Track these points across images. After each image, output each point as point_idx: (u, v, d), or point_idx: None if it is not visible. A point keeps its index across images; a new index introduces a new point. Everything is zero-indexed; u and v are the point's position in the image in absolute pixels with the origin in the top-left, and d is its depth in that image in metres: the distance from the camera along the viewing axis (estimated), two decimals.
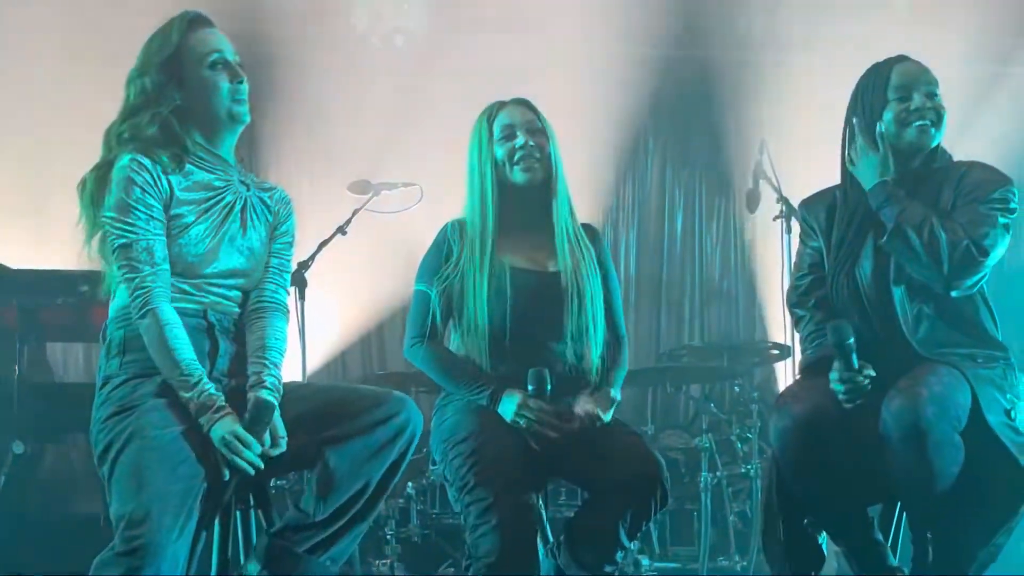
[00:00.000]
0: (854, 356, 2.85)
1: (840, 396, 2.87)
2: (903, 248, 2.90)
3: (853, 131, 3.07)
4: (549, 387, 3.04)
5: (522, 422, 3.03)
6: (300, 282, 4.88)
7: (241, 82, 2.79)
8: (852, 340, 2.85)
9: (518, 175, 3.18)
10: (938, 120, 3.02)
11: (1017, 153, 6.11)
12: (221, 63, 2.78)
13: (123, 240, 2.67)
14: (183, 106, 2.77)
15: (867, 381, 2.85)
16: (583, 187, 6.77)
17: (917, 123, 3.00)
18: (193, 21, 2.80)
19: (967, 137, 3.12)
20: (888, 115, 3.02)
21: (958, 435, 2.73)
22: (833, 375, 2.88)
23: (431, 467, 4.76)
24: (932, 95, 3.02)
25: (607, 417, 3.09)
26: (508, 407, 3.05)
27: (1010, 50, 6.45)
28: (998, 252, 2.90)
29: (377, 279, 6.55)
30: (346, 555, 2.81)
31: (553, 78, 6.69)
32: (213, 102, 2.78)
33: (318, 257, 5.07)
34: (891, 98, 3.03)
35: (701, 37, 6.75)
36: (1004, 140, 5.94)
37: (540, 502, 3.04)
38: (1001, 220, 2.91)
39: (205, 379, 2.63)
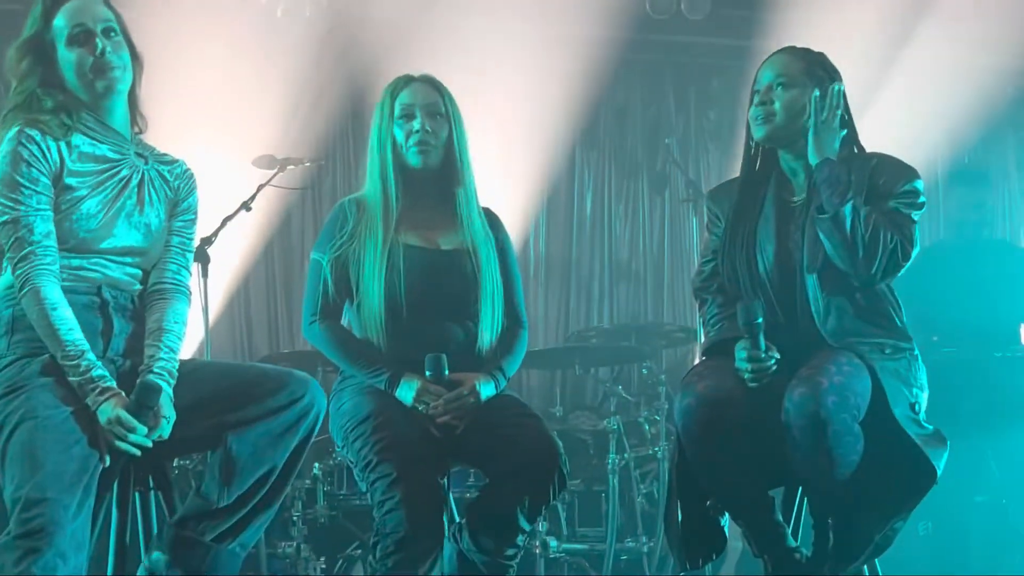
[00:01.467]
0: (762, 337, 2.87)
1: (746, 376, 2.89)
2: (839, 234, 2.87)
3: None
4: (447, 371, 3.02)
5: (421, 408, 3.01)
6: (203, 258, 4.78)
7: (103, 53, 2.69)
8: (761, 320, 2.87)
9: (412, 158, 3.15)
10: (784, 110, 2.98)
11: (912, 137, 6.24)
12: (81, 36, 2.69)
13: (6, 216, 2.60)
14: (57, 82, 2.71)
15: (773, 363, 2.88)
16: (492, 168, 6.75)
17: (754, 117, 3.03)
18: None
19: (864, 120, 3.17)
20: (750, 112, 3.06)
21: (858, 424, 2.77)
22: (740, 354, 2.90)
23: (336, 449, 4.71)
24: (782, 84, 3.00)
25: (482, 394, 3.06)
26: (407, 393, 3.03)
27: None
28: (916, 252, 2.94)
29: (282, 255, 6.47)
30: (254, 540, 2.79)
31: (464, 57, 6.65)
32: (77, 78, 2.70)
33: (222, 233, 4.96)
34: (753, 92, 3.07)
35: (611, 17, 6.75)
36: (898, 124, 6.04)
37: (445, 483, 3.03)
38: (915, 217, 2.95)
39: (87, 359, 2.56)
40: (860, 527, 2.84)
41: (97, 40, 2.68)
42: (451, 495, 3.13)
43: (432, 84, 3.20)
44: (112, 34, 2.71)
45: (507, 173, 6.79)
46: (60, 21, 2.70)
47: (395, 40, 6.46)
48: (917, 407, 2.90)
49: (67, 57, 2.70)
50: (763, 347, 2.87)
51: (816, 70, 3.03)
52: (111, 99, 2.74)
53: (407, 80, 3.21)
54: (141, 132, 2.86)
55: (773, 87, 3.01)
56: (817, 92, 2.96)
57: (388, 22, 6.45)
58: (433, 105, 3.16)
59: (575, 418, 5.51)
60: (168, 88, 5.89)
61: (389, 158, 3.15)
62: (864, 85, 6.18)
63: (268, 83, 6.43)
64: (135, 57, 2.78)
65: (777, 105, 2.99)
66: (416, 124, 3.12)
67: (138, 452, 2.55)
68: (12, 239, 2.59)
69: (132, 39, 2.79)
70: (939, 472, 2.82)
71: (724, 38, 6.65)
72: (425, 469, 2.90)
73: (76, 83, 2.71)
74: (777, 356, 2.88)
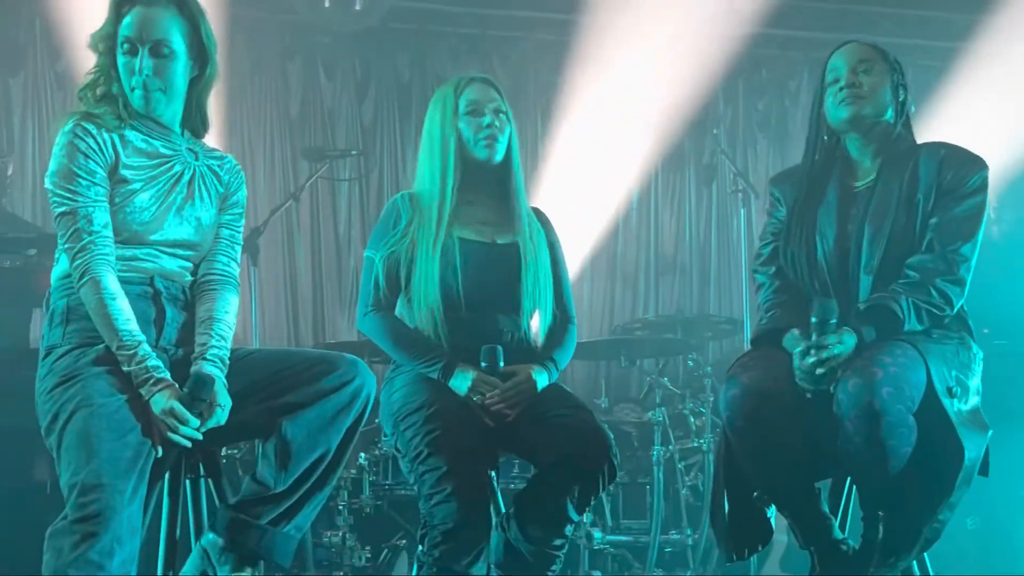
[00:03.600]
0: (830, 336, 2.83)
1: (800, 372, 2.86)
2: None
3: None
4: (502, 363, 3.05)
5: (476, 399, 3.04)
6: (252, 249, 4.83)
7: (141, 72, 2.67)
8: (835, 321, 2.85)
9: (481, 152, 3.19)
10: (870, 92, 3.01)
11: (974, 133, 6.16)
12: (130, 48, 2.68)
13: (64, 208, 2.63)
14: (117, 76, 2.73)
15: (827, 370, 2.83)
16: (539, 158, 6.77)
17: (843, 99, 3.02)
18: None
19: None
20: (828, 99, 3.06)
21: (911, 416, 2.74)
22: (798, 349, 2.88)
23: (383, 438, 4.74)
24: (862, 70, 3.02)
25: (537, 384, 3.09)
26: (461, 383, 3.05)
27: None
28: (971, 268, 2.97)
29: (330, 246, 6.52)
30: (309, 523, 2.80)
31: (508, 50, 6.68)
32: (124, 84, 2.72)
33: (271, 223, 5.02)
34: (827, 82, 3.07)
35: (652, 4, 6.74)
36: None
37: (493, 474, 3.05)
38: (976, 215, 2.96)
39: (143, 349, 2.59)
40: (910, 519, 2.81)
41: (137, 60, 2.69)
42: (497, 485, 3.15)
43: (491, 84, 3.27)
44: (163, 51, 2.70)
45: (552, 165, 6.83)
46: (122, 26, 2.70)
47: (445, 33, 6.50)
48: (955, 391, 2.86)
49: (120, 62, 2.72)
50: (830, 343, 2.82)
51: (889, 58, 3.08)
52: (153, 111, 2.75)
53: (470, 79, 3.27)
54: (198, 137, 2.87)
55: (857, 71, 3.02)
56: (894, 79, 3.04)
57: (435, 14, 6.48)
58: (496, 103, 3.22)
59: (620, 410, 5.51)
60: (222, 79, 5.98)
61: (452, 152, 3.19)
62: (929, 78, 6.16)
63: (316, 75, 6.49)
64: (203, 67, 2.78)
65: (866, 88, 3.01)
66: (486, 120, 3.18)
67: (189, 444, 2.59)
68: (70, 230, 2.63)
69: (206, 46, 2.77)
70: (969, 455, 2.77)
71: (774, 28, 6.61)
72: (475, 462, 2.93)
73: (125, 87, 2.73)
74: (835, 352, 2.83)
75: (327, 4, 5.85)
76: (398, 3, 6.23)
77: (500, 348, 3.05)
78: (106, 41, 2.71)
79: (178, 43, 2.72)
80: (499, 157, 3.21)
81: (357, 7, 5.87)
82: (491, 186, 3.25)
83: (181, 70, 2.75)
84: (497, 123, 3.19)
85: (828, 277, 3.02)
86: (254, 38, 6.23)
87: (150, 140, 2.76)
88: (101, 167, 2.66)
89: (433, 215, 3.16)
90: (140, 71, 2.69)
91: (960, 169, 2.98)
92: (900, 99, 3.07)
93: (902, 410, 2.72)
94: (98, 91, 2.72)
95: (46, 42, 6.07)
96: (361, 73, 6.59)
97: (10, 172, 5.30)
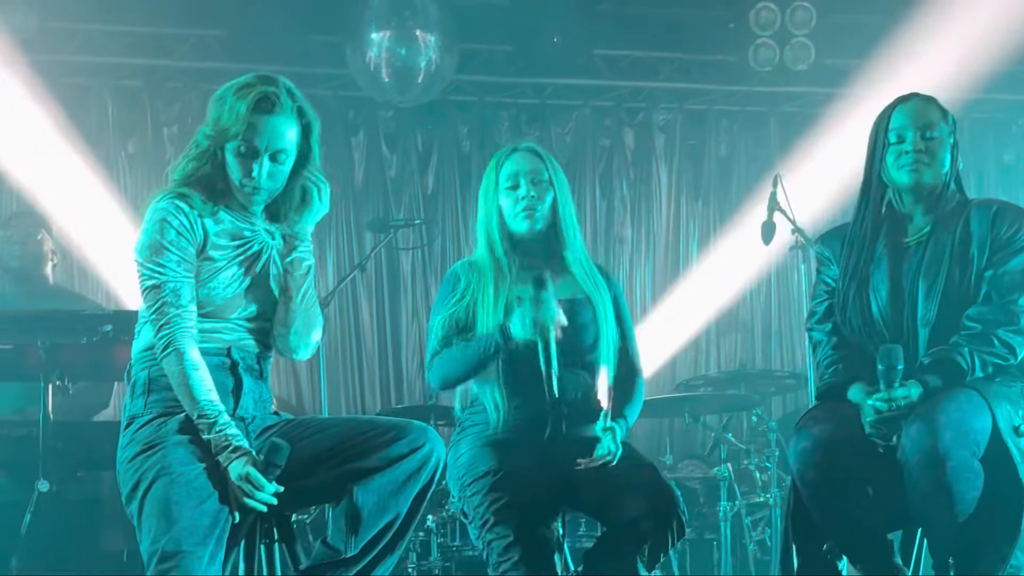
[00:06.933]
0: (898, 382, 2.87)
1: (872, 417, 2.88)
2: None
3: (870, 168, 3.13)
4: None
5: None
6: None
7: (259, 175, 2.73)
8: (901, 367, 2.88)
9: (518, 225, 3.27)
10: (931, 159, 3.03)
11: None
12: (248, 151, 2.73)
13: (153, 281, 2.72)
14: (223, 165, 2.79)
15: (901, 410, 2.86)
16: (598, 220, 6.84)
17: (907, 164, 3.04)
18: (260, 102, 2.72)
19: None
20: (889, 159, 3.08)
21: (977, 461, 2.75)
22: (868, 401, 2.90)
23: (451, 500, 4.80)
24: (928, 135, 3.04)
25: (616, 451, 3.12)
26: (519, 329, 3.07)
27: None
28: None
29: (396, 314, 6.63)
30: None
31: (566, 118, 6.77)
32: (232, 176, 2.78)
33: (337, 292, 5.13)
34: (890, 141, 3.08)
35: (707, 68, 6.82)
36: None
37: (559, 531, 3.09)
38: None
39: (222, 418, 2.67)
40: (982, 565, 2.79)
41: (257, 163, 2.75)
42: (565, 544, 3.19)
43: (535, 152, 3.32)
44: (280, 157, 2.77)
45: (612, 225, 6.89)
46: (248, 128, 2.71)
47: (503, 104, 6.61)
48: (1022, 429, 2.86)
49: (230, 158, 2.76)
50: (898, 393, 2.86)
51: (949, 118, 3.11)
52: (251, 206, 2.83)
53: (511, 150, 3.35)
54: (275, 222, 2.90)
55: (926, 136, 3.05)
56: (951, 140, 3.07)
57: (494, 86, 6.62)
58: (536, 172, 3.27)
59: (685, 467, 5.53)
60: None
61: (495, 225, 3.28)
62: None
63: (379, 147, 6.63)
64: (302, 169, 2.83)
65: (929, 156, 3.04)
66: (522, 191, 3.25)
67: (265, 508, 2.66)
68: (158, 303, 2.71)
69: (313, 151, 2.84)
70: None
71: (827, 87, 6.65)
72: (541, 527, 2.97)
73: (233, 182, 2.78)
74: (903, 403, 2.86)
75: (387, 80, 5.98)
76: (457, 76, 6.37)
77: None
78: (223, 136, 2.74)
79: (292, 149, 2.79)
80: (540, 225, 3.26)
81: (419, 81, 6.00)
82: (545, 249, 3.31)
83: (288, 172, 2.81)
84: (535, 193, 3.25)
85: (885, 333, 3.04)
86: (318, 114, 6.34)
87: (236, 222, 2.83)
88: (191, 245, 2.74)
89: (490, 278, 3.23)
90: (259, 175, 2.75)
91: (1014, 223, 3.02)
92: (952, 158, 3.09)
93: (966, 455, 2.72)
94: (196, 173, 2.78)
95: (118, 123, 6.25)
96: (423, 145, 6.73)
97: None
